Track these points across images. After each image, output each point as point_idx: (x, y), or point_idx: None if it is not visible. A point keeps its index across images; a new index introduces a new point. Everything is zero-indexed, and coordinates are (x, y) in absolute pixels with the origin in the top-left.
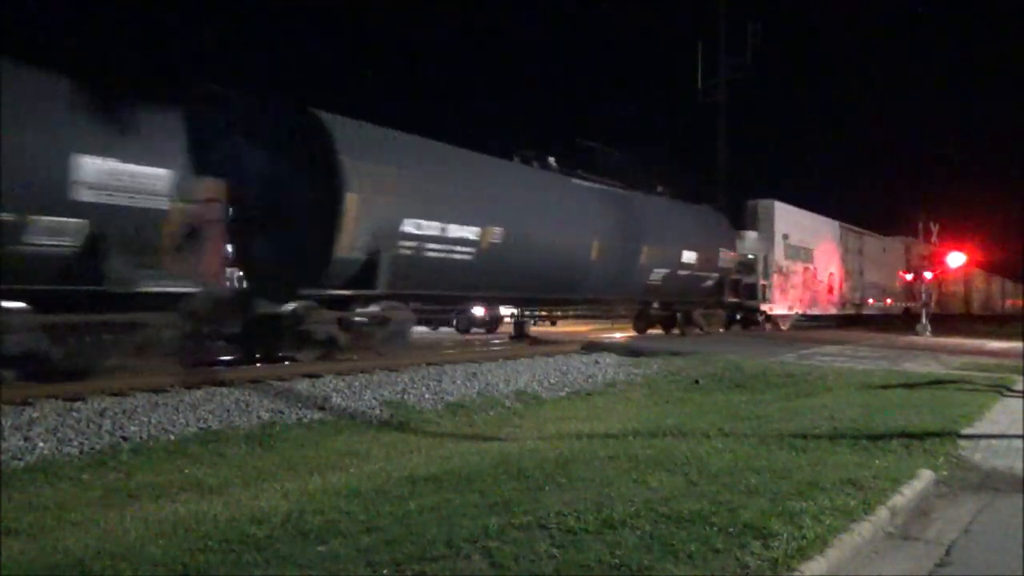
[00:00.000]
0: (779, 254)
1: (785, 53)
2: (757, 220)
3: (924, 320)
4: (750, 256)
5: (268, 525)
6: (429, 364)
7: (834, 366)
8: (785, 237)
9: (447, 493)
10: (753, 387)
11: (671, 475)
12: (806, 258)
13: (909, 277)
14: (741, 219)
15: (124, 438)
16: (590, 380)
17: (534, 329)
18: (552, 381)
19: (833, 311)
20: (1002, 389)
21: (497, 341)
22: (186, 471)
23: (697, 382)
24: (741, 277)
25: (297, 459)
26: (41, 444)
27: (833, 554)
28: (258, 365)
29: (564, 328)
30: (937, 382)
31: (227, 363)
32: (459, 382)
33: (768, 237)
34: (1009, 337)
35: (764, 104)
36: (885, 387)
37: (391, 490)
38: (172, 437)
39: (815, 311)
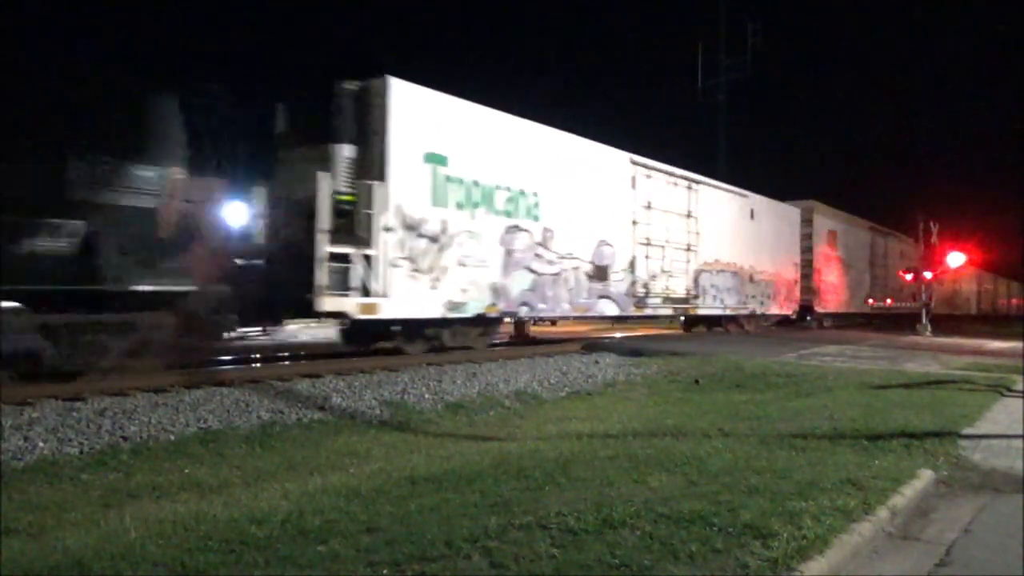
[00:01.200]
0: (407, 193)
1: (785, 53)
2: (363, 121)
3: (924, 320)
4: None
5: (268, 525)
6: (429, 364)
7: (834, 366)
8: (435, 160)
9: (447, 493)
10: (753, 387)
11: (671, 475)
12: (517, 211)
13: (909, 277)
14: (318, 120)
15: (124, 438)
16: (590, 380)
17: (535, 329)
18: (552, 381)
19: (612, 311)
20: (1002, 389)
21: (497, 341)
22: (186, 471)
23: (697, 382)
24: (276, 242)
25: (297, 459)
26: (41, 444)
27: (833, 554)
28: (257, 365)
29: (564, 328)
30: (937, 382)
31: (227, 363)
32: (459, 382)
33: (377, 153)
34: (1009, 337)
35: (764, 103)
36: (885, 387)
37: (391, 490)
38: (172, 437)
39: (553, 311)
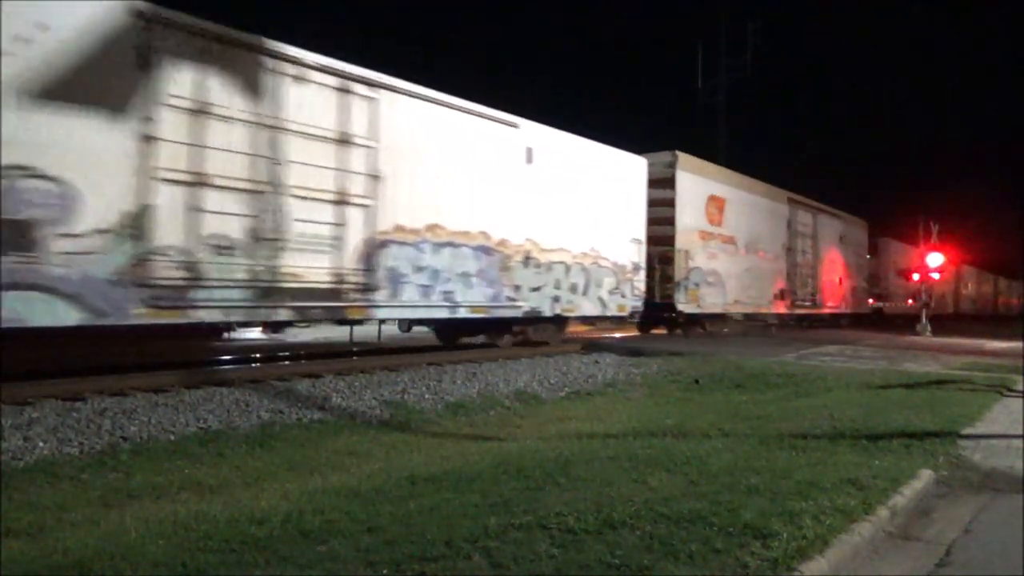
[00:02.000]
0: None
1: (785, 53)
2: None
3: (924, 320)
4: None
5: (268, 525)
6: (429, 364)
7: (834, 366)
8: None
9: (447, 493)
10: (753, 387)
11: (671, 475)
12: None
13: (916, 278)
14: None
15: (124, 438)
16: (590, 380)
17: None
18: (552, 381)
19: (43, 318)
20: (1002, 389)
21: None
22: (186, 471)
23: (697, 382)
24: None
25: (297, 459)
26: (41, 444)
27: (833, 554)
28: (256, 365)
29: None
30: (937, 382)
31: (227, 363)
32: (459, 382)
33: None
34: (1009, 337)
35: (764, 102)
36: (885, 387)
37: (391, 490)
38: (172, 437)
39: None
